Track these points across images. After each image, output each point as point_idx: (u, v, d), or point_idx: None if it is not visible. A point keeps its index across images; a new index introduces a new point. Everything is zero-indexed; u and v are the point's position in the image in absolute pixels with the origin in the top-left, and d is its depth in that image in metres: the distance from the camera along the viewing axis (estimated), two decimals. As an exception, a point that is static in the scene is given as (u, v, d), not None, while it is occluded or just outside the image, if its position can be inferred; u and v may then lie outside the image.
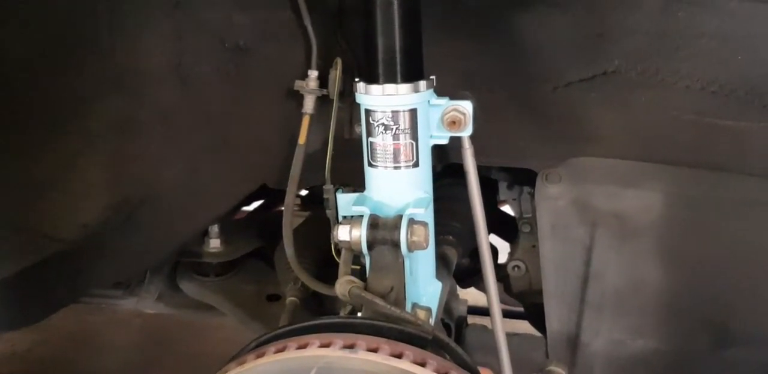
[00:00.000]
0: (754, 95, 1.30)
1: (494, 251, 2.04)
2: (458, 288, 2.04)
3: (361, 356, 0.97)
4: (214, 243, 1.92)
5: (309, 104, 1.49)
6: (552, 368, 1.06)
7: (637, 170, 1.42)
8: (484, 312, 1.97)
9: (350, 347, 0.99)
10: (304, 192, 2.20)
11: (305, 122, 1.49)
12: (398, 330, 1.06)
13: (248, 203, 2.25)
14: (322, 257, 1.74)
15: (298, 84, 1.48)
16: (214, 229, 1.92)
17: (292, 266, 1.53)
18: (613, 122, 1.40)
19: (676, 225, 1.43)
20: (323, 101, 1.49)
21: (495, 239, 2.01)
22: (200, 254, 1.92)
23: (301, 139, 1.49)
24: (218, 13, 1.50)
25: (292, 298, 1.71)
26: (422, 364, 0.97)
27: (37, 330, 3.06)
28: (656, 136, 1.39)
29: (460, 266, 1.88)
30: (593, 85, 1.37)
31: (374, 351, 0.99)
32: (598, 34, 1.35)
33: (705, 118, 1.35)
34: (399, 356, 0.98)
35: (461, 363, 1.05)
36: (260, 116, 1.59)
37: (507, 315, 2.01)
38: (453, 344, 1.09)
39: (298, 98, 1.50)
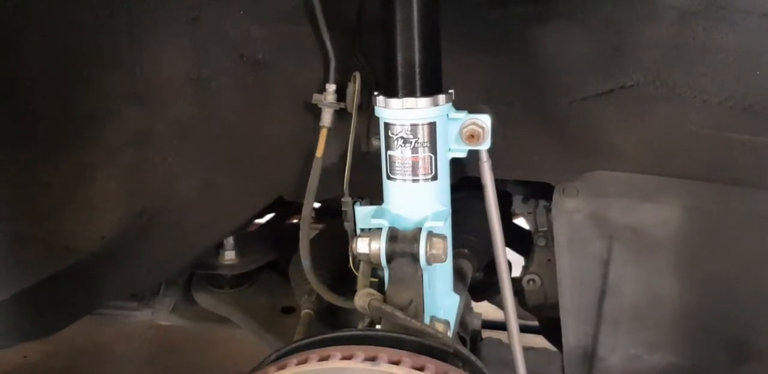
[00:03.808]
0: None
1: (509, 266, 2.05)
2: (472, 301, 2.04)
3: (384, 368, 0.98)
4: (229, 255, 1.92)
5: (327, 118, 1.50)
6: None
7: (654, 184, 1.42)
8: (497, 326, 1.97)
9: (372, 359, 1.00)
10: (317, 205, 2.21)
11: (323, 135, 1.50)
12: (419, 343, 1.06)
13: (261, 216, 2.27)
14: (337, 269, 1.75)
15: (316, 98, 1.49)
16: (229, 241, 1.92)
17: (309, 278, 1.53)
18: (630, 136, 1.41)
19: (693, 240, 1.43)
20: (340, 115, 1.51)
21: (509, 254, 2.02)
22: (215, 266, 1.92)
23: (319, 152, 1.50)
24: (237, 27, 1.51)
25: (307, 311, 1.71)
26: (444, 377, 0.97)
27: (49, 342, 3.05)
28: (673, 150, 1.39)
29: (474, 280, 1.88)
30: (610, 99, 1.38)
31: (396, 363, 0.99)
32: (615, 48, 1.36)
33: (722, 132, 1.35)
34: (421, 369, 0.98)
35: (481, 376, 1.05)
36: (277, 128, 1.60)
37: (521, 329, 2.02)
38: (473, 357, 1.10)
39: (315, 111, 1.51)
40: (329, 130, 1.50)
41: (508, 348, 1.41)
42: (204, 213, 1.68)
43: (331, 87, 1.49)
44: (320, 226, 2.01)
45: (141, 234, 1.66)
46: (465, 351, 1.09)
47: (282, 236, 2.01)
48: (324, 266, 1.71)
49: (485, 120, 1.31)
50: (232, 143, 1.61)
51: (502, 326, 1.99)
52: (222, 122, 1.59)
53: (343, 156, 1.48)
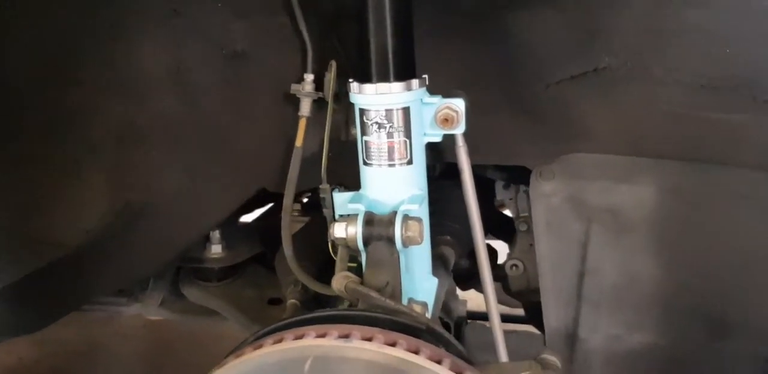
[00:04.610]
0: (743, 87, 1.31)
1: (494, 253, 2.06)
2: (460, 290, 2.05)
3: (356, 345, 0.99)
4: (216, 249, 1.93)
5: (305, 107, 1.51)
6: (545, 356, 1.07)
7: (630, 165, 1.43)
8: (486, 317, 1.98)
9: (345, 337, 1.01)
10: (305, 199, 2.22)
11: (302, 124, 1.51)
12: (392, 321, 1.07)
13: (251, 210, 2.28)
14: (322, 260, 1.76)
15: (294, 88, 1.50)
16: (216, 235, 1.94)
17: (291, 267, 1.54)
18: (605, 118, 1.42)
19: (670, 219, 1.44)
20: (321, 104, 1.52)
21: (496, 242, 2.03)
22: (202, 259, 1.94)
23: (298, 142, 1.51)
24: (216, 20, 1.52)
25: (293, 300, 1.72)
26: (415, 352, 0.98)
27: (43, 342, 3.09)
28: (648, 131, 1.41)
29: (460, 269, 1.90)
30: (584, 82, 1.39)
31: (369, 340, 1.00)
32: (588, 32, 1.37)
33: (696, 111, 1.36)
34: (393, 344, 0.99)
35: (455, 353, 1.06)
36: (259, 120, 1.61)
37: (508, 319, 2.03)
38: (447, 334, 1.11)
39: (295, 101, 1.52)
40: (309, 119, 1.51)
41: (491, 332, 1.42)
42: (189, 206, 1.69)
43: (309, 77, 1.50)
44: (306, 219, 2.02)
45: (126, 228, 1.67)
46: (439, 328, 1.10)
47: (268, 230, 2.02)
48: (309, 257, 1.72)
49: (459, 104, 1.32)
50: (215, 136, 1.62)
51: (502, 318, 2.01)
52: (204, 114, 1.60)
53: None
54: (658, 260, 1.46)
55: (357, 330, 1.02)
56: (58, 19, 1.53)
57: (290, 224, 1.56)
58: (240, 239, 2.00)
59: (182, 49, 1.55)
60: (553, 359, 1.07)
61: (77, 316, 3.08)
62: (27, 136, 1.61)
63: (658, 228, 1.45)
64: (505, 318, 2.02)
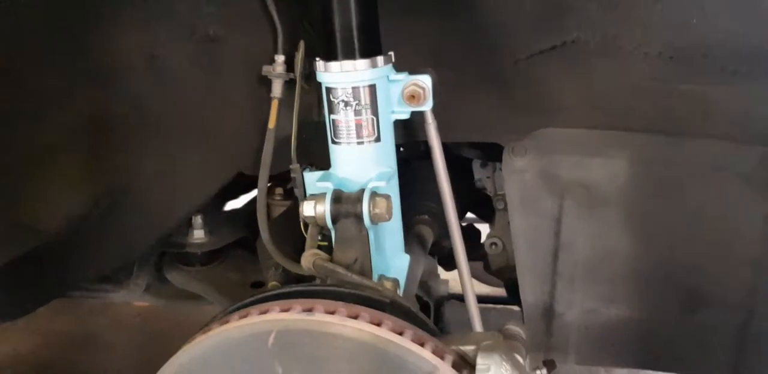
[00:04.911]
0: (710, 57, 1.31)
1: (477, 232, 2.07)
2: (444, 271, 2.06)
3: (318, 318, 1.00)
4: (198, 234, 1.94)
5: (277, 89, 1.51)
6: (509, 327, 1.08)
7: (601, 138, 1.43)
8: (481, 300, 1.99)
9: (309, 310, 1.02)
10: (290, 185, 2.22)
11: (274, 106, 1.51)
12: (357, 295, 1.08)
13: (236, 197, 2.29)
14: (303, 243, 1.76)
15: (266, 69, 1.50)
16: (198, 220, 1.94)
17: (268, 248, 1.55)
18: (575, 92, 1.42)
19: (642, 192, 1.45)
20: (294, 86, 1.51)
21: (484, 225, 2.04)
22: (185, 244, 1.94)
23: (271, 123, 1.51)
24: (187, 4, 1.52)
25: (274, 283, 1.73)
26: (378, 324, 0.99)
27: (39, 332, 3.11)
28: (618, 104, 1.40)
29: (443, 249, 1.90)
30: (553, 56, 1.39)
31: (331, 313, 1.01)
32: (556, 6, 1.37)
33: (665, 83, 1.36)
34: (355, 317, 1.00)
35: (420, 325, 1.07)
36: (234, 103, 1.61)
37: (492, 300, 2.04)
38: (413, 308, 1.12)
39: (270, 84, 1.52)
40: (283, 101, 1.51)
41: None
42: (167, 190, 1.69)
43: (280, 58, 1.50)
44: (288, 203, 2.03)
45: (106, 214, 1.67)
46: (404, 301, 1.11)
47: (250, 214, 2.02)
48: (290, 240, 1.73)
49: (426, 81, 1.32)
50: (190, 120, 1.62)
51: (488, 300, 2.03)
52: (179, 99, 1.60)
53: (298, 127, 1.50)
54: (632, 234, 1.46)
55: (320, 304, 1.03)
56: (28, 4, 1.53)
57: (267, 207, 1.57)
58: (223, 223, 2.00)
59: (155, 33, 1.54)
60: (516, 329, 1.08)
61: (71, 306, 3.12)
62: (1, 122, 1.61)
63: (631, 202, 1.45)
64: (490, 300, 2.04)
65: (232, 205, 2.29)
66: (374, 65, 1.28)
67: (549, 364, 1.19)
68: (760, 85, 1.30)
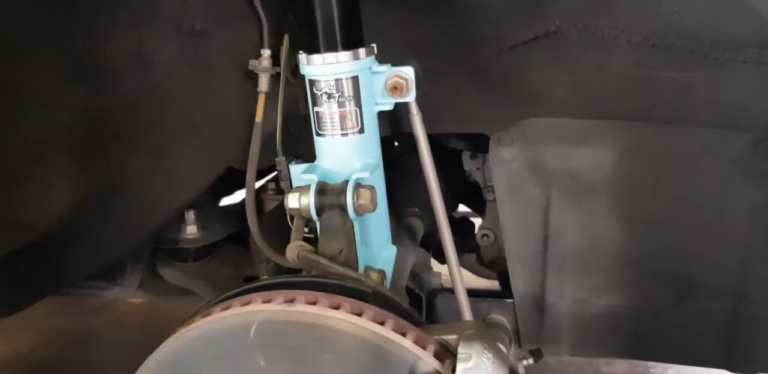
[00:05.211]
0: (693, 44, 1.30)
1: (470, 225, 2.07)
2: (438, 263, 2.05)
3: (299, 308, 1.00)
4: (191, 229, 1.94)
5: (264, 83, 1.51)
6: (493, 316, 1.08)
7: (586, 128, 1.43)
8: (480, 293, 1.98)
9: (290, 301, 1.02)
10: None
11: (261, 100, 1.51)
12: (340, 286, 1.08)
13: (230, 193, 2.29)
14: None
15: (252, 63, 1.51)
16: (190, 215, 1.94)
17: (257, 241, 1.55)
18: (559, 82, 1.41)
19: (629, 180, 1.44)
20: (279, 80, 1.52)
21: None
22: (177, 240, 1.94)
23: (258, 117, 1.51)
24: None
25: (266, 277, 1.73)
26: (359, 314, 0.99)
27: (38, 332, 3.12)
28: (602, 93, 1.40)
29: (436, 242, 1.90)
30: (536, 46, 1.38)
31: (313, 304, 1.01)
32: None
33: (648, 71, 1.35)
34: (336, 307, 1.00)
35: (403, 314, 1.07)
36: (222, 98, 1.61)
37: (486, 294, 2.04)
38: (397, 299, 1.12)
39: (257, 78, 1.52)
40: (268, 95, 1.52)
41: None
42: (158, 186, 1.70)
43: (266, 52, 1.50)
44: (281, 197, 2.03)
45: (98, 210, 1.68)
46: (387, 292, 1.11)
47: (243, 209, 2.03)
48: (281, 234, 1.73)
49: (409, 72, 1.33)
50: (180, 115, 1.63)
51: (483, 293, 2.02)
52: (167, 94, 1.60)
53: (285, 121, 1.50)
54: (619, 223, 1.46)
55: (301, 294, 1.03)
56: (15, 1, 1.53)
57: (260, 202, 1.57)
58: (215, 219, 2.01)
59: (142, 28, 1.55)
60: (500, 319, 1.09)
61: (71, 305, 3.12)
62: None
63: (618, 190, 1.45)
64: (485, 293, 2.04)
65: (226, 201, 2.30)
66: (356, 57, 1.28)
67: (535, 354, 1.19)
68: (743, 72, 1.29)
